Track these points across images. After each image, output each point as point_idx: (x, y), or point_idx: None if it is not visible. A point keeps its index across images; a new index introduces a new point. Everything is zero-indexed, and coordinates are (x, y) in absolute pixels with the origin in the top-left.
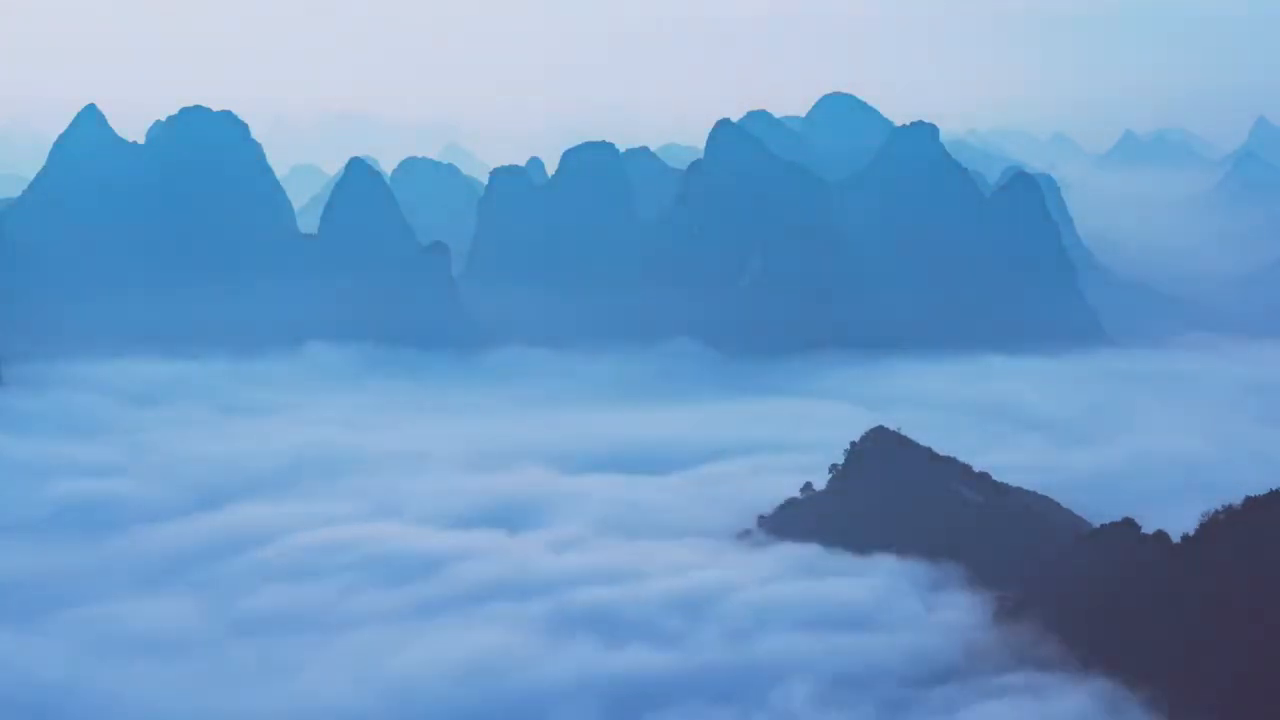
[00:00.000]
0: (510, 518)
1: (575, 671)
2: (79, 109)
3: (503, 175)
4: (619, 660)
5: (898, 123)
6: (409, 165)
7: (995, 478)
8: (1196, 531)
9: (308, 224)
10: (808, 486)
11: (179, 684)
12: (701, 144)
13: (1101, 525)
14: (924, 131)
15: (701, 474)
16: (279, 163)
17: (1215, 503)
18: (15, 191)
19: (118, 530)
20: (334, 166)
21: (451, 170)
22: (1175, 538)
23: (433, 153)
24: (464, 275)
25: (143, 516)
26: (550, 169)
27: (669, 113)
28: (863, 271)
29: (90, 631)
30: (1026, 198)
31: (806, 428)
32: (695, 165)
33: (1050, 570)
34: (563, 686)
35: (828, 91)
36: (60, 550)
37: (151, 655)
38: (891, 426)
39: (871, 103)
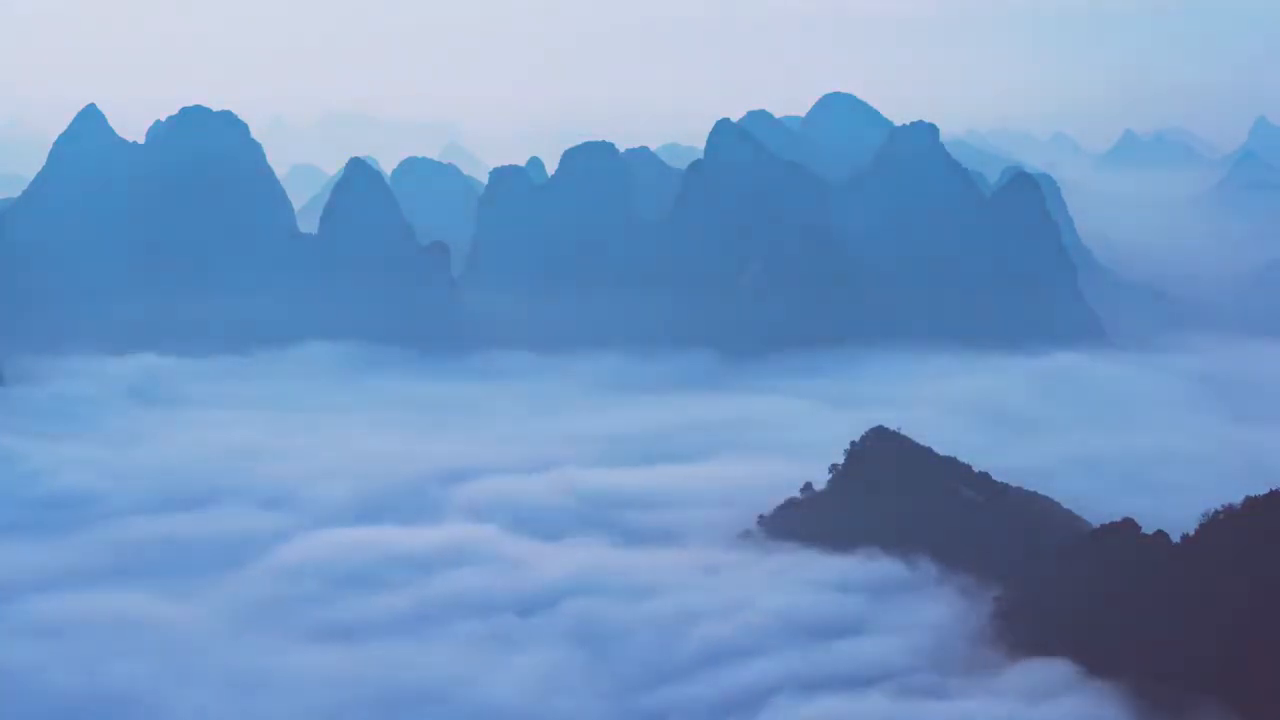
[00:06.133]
0: (510, 519)
1: (574, 675)
2: (79, 109)
3: (503, 175)
4: (618, 664)
5: (898, 123)
6: (409, 165)
7: (995, 478)
8: (1196, 531)
9: (308, 224)
10: (808, 486)
11: (174, 685)
12: (701, 144)
13: (1101, 525)
14: (924, 131)
15: (701, 474)
16: (279, 163)
17: (1215, 503)
18: (15, 191)
19: (117, 528)
20: (334, 166)
21: (451, 170)
22: (1175, 538)
23: (433, 153)
24: (464, 275)
25: (142, 514)
26: (550, 169)
27: (669, 113)
28: (863, 271)
29: (88, 630)
30: (1026, 198)
31: (806, 427)
32: (695, 165)
33: (1050, 570)
34: (563, 691)
35: (828, 91)
36: (59, 548)
37: (149, 656)
38: (892, 426)
39: (871, 103)
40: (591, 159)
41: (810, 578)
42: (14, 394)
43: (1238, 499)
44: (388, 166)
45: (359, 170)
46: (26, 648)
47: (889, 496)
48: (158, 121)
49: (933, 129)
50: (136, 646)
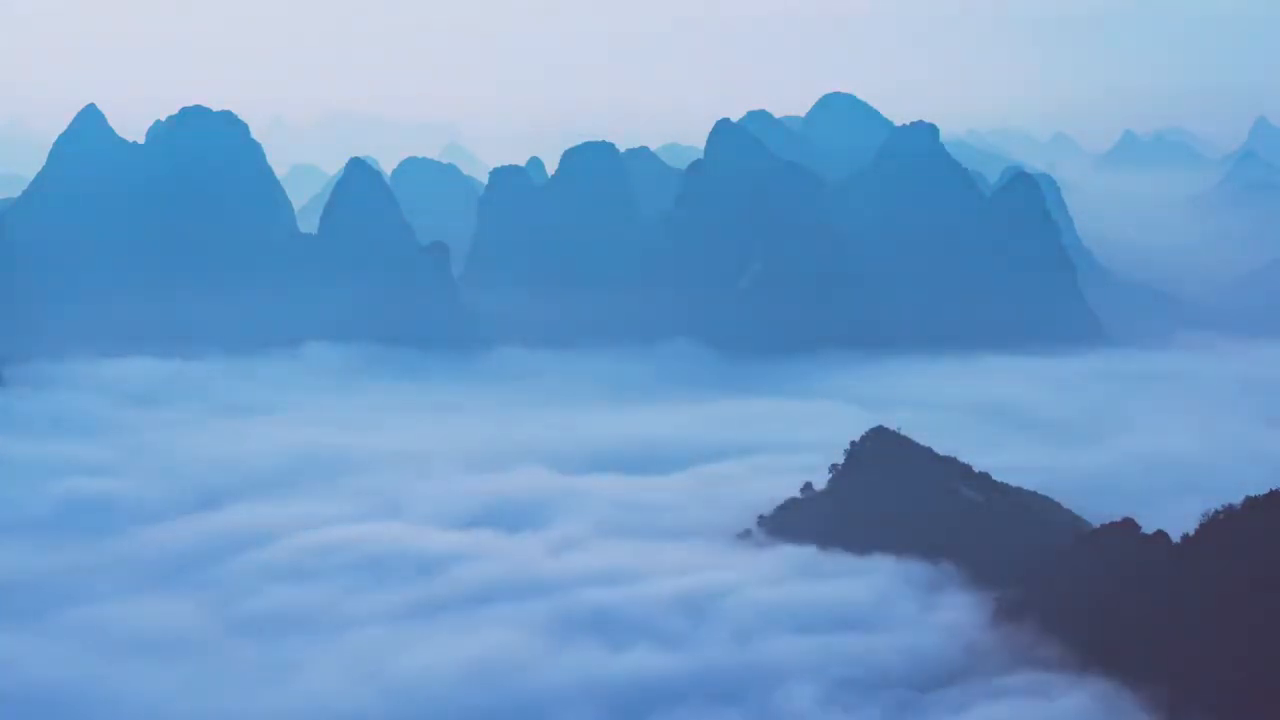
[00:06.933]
0: (510, 518)
1: (576, 673)
2: (79, 109)
3: (503, 175)
4: (619, 662)
5: (898, 123)
6: (409, 165)
7: (995, 478)
8: (1196, 531)
9: (308, 224)
10: (808, 486)
11: (179, 685)
12: (701, 144)
13: (1101, 525)
14: (924, 131)
15: (701, 474)
16: (279, 163)
17: (1215, 503)
18: (15, 191)
19: (117, 530)
20: (334, 166)
21: (451, 170)
22: (1175, 538)
23: (433, 153)
24: (464, 275)
25: (143, 516)
26: (550, 169)
27: (669, 113)
28: (862, 271)
29: (90, 631)
30: (1026, 198)
31: (806, 428)
32: (695, 165)
33: (1050, 570)
34: (563, 688)
35: (828, 91)
36: (60, 550)
37: (151, 656)
38: (891, 426)
39: (871, 103)
40: (591, 159)
41: (809, 576)
42: (14, 396)
43: (1238, 499)
44: (388, 166)
45: (359, 170)
46: (31, 648)
47: (889, 496)
48: (158, 121)
49: (933, 129)
50: (130, 647)
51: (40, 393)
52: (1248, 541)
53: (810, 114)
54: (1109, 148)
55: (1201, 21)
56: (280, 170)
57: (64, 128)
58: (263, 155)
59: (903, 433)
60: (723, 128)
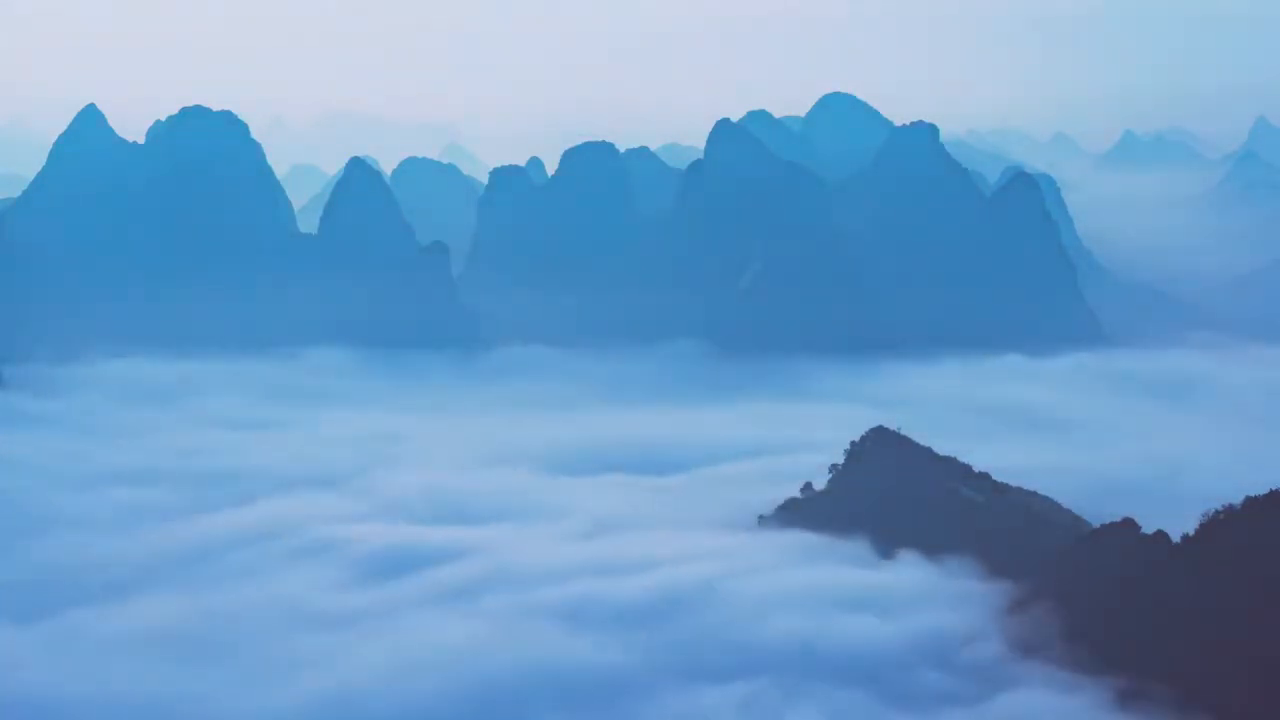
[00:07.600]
0: (510, 517)
1: (575, 661)
2: (79, 109)
3: (503, 175)
4: (617, 652)
5: (898, 123)
6: (409, 165)
7: (995, 478)
8: (1196, 531)
9: (308, 224)
10: (808, 487)
11: (178, 682)
12: (701, 144)
13: (1101, 525)
14: (924, 131)
15: (701, 474)
16: (279, 163)
17: (1215, 503)
18: (15, 191)
19: (116, 529)
20: (334, 166)
21: (451, 170)
22: (1175, 538)
23: (433, 153)
24: (464, 275)
25: (142, 516)
26: (550, 169)
27: (669, 113)
28: (863, 272)
29: (91, 631)
30: (1026, 198)
31: (806, 428)
32: (695, 165)
33: (1050, 570)
34: (558, 677)
35: (828, 91)
36: (61, 549)
37: (151, 654)
38: (892, 426)
39: (871, 103)
40: (591, 159)
41: (807, 574)
42: (14, 395)
43: (1238, 499)
44: (388, 166)
45: (359, 170)
46: (34, 648)
47: (889, 496)
48: (158, 121)
49: (933, 129)
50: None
51: (41, 393)
52: (1248, 541)
53: (810, 114)
54: (1109, 148)
55: (1201, 21)
56: (280, 170)
57: (64, 128)
58: (263, 155)
59: (903, 433)
60: (723, 128)
